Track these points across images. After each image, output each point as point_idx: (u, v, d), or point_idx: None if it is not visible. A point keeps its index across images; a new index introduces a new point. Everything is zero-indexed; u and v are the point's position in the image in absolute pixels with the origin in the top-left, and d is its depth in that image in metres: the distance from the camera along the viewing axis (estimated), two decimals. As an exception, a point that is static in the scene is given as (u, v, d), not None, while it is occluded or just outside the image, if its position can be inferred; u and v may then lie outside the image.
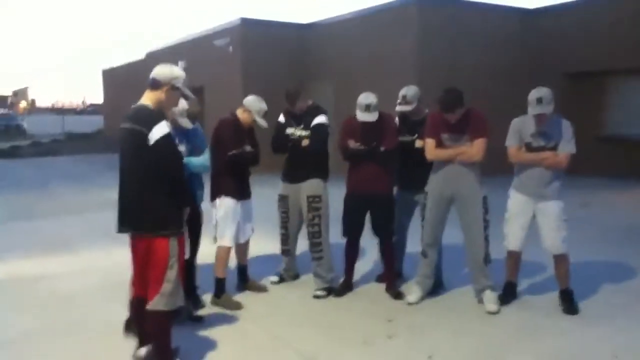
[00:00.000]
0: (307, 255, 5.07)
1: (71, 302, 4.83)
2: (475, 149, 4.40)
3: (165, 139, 3.16)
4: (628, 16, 11.63)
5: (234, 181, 4.67)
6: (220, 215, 4.66)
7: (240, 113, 4.76)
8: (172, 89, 3.31)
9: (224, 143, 4.62)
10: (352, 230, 4.87)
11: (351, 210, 4.82)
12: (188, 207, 3.55)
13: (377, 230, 4.83)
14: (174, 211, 3.27)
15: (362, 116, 4.62)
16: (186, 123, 4.23)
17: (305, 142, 4.83)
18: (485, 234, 4.49)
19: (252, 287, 5.03)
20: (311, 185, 4.87)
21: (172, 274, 3.24)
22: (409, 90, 4.80)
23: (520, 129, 4.48)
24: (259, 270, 5.43)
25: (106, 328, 4.17)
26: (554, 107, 4.31)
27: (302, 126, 4.87)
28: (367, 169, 4.70)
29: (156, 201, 3.19)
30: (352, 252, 4.96)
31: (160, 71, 3.33)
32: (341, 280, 5.03)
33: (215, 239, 4.71)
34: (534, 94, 4.30)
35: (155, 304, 3.24)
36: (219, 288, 4.69)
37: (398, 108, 4.82)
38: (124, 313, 4.05)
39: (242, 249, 4.99)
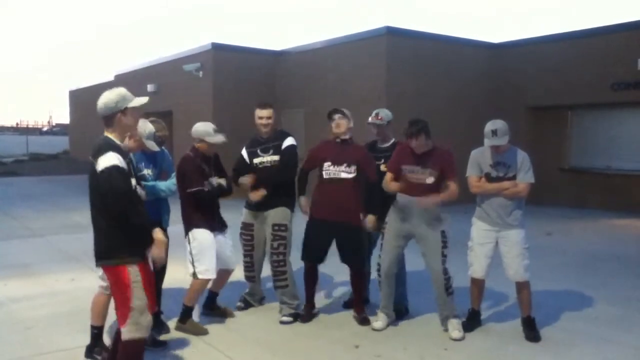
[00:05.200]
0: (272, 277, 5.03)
1: (31, 327, 4.69)
2: (450, 191, 4.43)
3: (109, 170, 3.06)
4: (588, 53, 12.12)
5: (203, 215, 4.58)
6: (195, 248, 4.53)
7: (198, 145, 4.63)
8: (123, 114, 3.23)
9: (186, 179, 4.52)
10: (313, 256, 4.84)
11: (315, 236, 4.80)
12: (151, 230, 3.41)
13: (346, 259, 4.81)
14: (129, 239, 3.19)
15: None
16: (152, 146, 4.18)
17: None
18: (443, 267, 4.52)
19: (218, 313, 4.97)
20: (277, 214, 4.86)
21: (135, 301, 3.19)
22: (382, 112, 5.02)
23: (479, 159, 4.59)
24: (225, 295, 5.37)
25: (66, 354, 4.07)
26: (509, 139, 4.43)
27: (271, 152, 4.90)
28: (335, 196, 4.71)
29: (112, 230, 3.16)
30: (312, 276, 4.92)
31: (103, 104, 3.19)
32: (303, 305, 5.00)
33: (194, 275, 4.51)
34: (489, 127, 4.43)
35: (126, 332, 3.20)
36: (186, 314, 4.59)
37: (370, 120, 4.99)
38: (84, 339, 3.98)
39: (225, 276, 4.88)
